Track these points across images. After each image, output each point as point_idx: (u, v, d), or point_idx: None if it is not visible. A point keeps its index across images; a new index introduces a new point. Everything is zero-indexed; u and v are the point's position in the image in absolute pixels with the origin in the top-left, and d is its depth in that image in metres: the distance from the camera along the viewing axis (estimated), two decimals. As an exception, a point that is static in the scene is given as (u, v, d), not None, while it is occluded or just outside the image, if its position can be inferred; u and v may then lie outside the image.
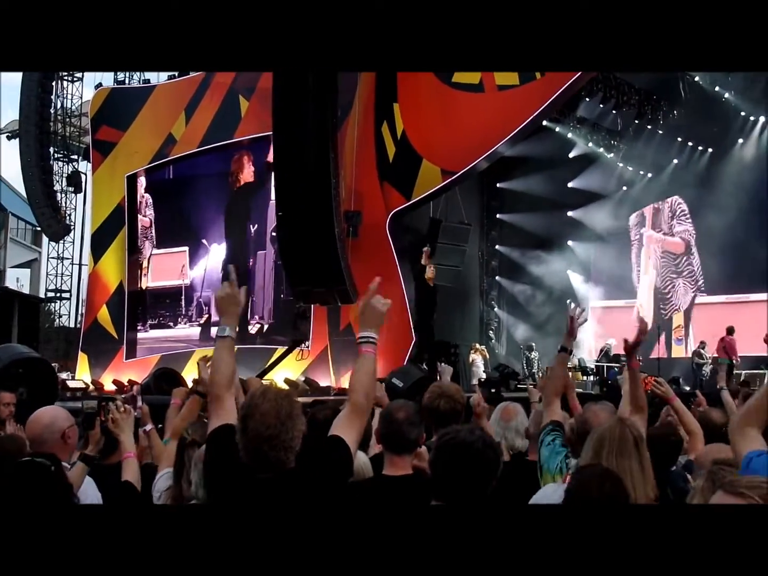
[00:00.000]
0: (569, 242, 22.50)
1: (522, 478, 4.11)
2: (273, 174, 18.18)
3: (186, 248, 23.52)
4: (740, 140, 20.57)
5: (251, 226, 22.38)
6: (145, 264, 24.13)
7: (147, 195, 24.20)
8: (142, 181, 24.19)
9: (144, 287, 23.99)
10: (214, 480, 3.31)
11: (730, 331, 17.57)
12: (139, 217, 24.11)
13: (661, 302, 22.69)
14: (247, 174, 22.63)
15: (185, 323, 23.12)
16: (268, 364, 18.92)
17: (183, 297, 23.29)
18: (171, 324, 23.41)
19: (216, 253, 22.93)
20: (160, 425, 7.52)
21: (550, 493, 3.73)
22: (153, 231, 24.11)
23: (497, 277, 23.11)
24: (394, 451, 3.87)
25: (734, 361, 16.95)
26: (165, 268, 23.84)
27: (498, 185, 22.34)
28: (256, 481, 3.09)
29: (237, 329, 3.57)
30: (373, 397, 3.57)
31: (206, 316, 22.49)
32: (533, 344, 20.83)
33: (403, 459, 3.81)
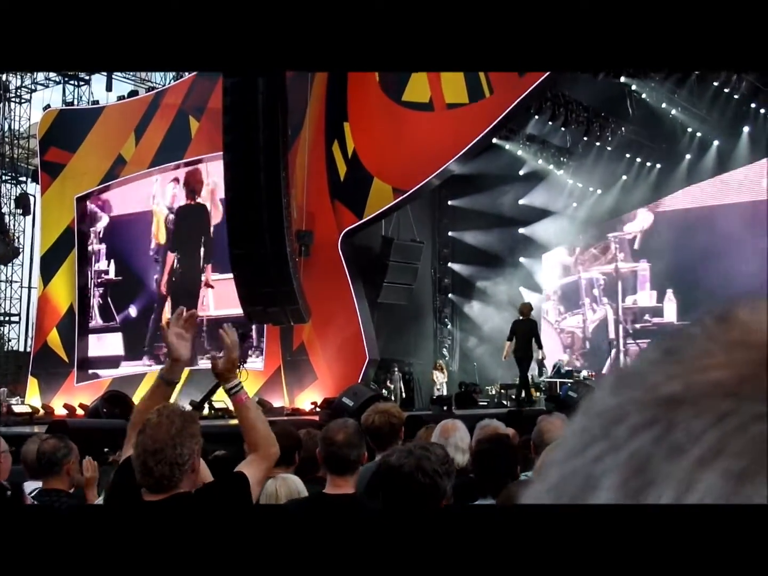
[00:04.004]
0: (521, 259, 22.62)
1: (460, 494, 4.08)
2: (224, 194, 18.10)
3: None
4: (688, 156, 20.83)
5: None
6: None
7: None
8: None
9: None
10: (111, 504, 3.31)
11: None
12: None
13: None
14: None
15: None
16: (211, 387, 18.76)
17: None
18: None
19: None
20: (106, 449, 7.43)
21: None
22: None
23: (450, 295, 23.15)
24: (334, 473, 3.85)
25: None
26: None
27: (449, 203, 22.41)
28: (142, 504, 3.05)
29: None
30: (272, 434, 3.54)
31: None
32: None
33: (344, 479, 3.80)
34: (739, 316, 0.41)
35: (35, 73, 25.94)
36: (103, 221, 24.08)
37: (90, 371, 23.37)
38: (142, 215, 23.27)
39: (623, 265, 22.55)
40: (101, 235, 24.11)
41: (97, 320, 23.94)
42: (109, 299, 23.70)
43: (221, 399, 17.82)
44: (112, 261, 23.80)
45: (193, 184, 22.46)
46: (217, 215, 21.38)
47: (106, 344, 23.57)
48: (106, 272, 23.92)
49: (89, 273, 24.02)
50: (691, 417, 0.37)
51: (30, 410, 19.01)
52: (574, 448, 0.41)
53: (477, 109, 16.81)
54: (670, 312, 21.00)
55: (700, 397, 0.37)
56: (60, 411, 20.66)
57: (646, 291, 22.04)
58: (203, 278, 21.90)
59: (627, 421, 0.39)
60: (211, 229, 21.76)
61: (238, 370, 3.78)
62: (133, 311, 23.09)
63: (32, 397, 22.57)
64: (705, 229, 19.87)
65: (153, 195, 23.06)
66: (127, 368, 22.56)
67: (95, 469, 5.03)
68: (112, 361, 23.15)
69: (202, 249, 21.99)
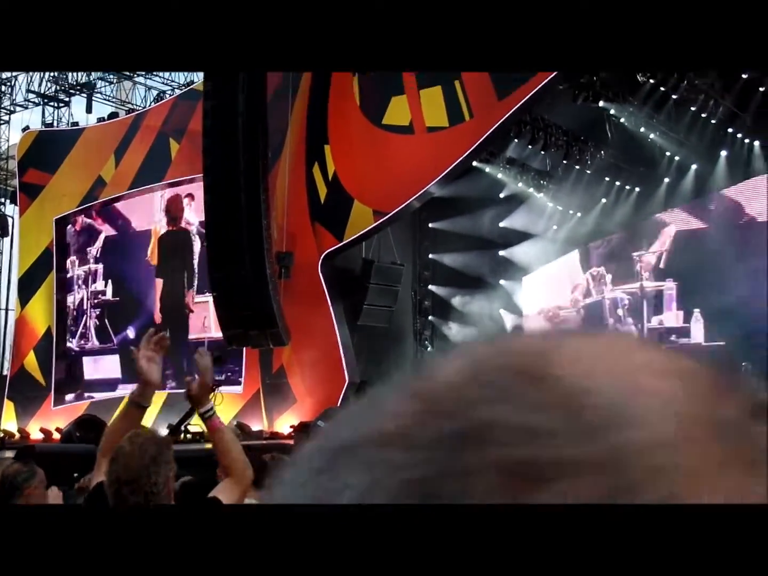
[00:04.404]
0: (501, 281, 22.65)
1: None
2: (204, 216, 18.06)
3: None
4: (666, 179, 20.94)
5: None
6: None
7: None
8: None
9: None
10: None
11: None
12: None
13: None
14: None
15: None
16: (188, 410, 18.63)
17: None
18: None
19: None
20: (76, 474, 7.33)
21: None
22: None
23: (430, 317, 23.13)
24: None
25: None
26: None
27: (430, 225, 22.42)
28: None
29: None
30: (245, 458, 3.54)
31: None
32: None
33: None
34: (427, 368, 0.42)
35: (14, 95, 25.87)
36: (99, 241, 23.91)
37: (86, 394, 23.11)
38: (141, 234, 23.17)
39: (648, 284, 21.93)
40: (98, 255, 23.93)
41: (93, 342, 23.73)
42: (106, 320, 23.48)
43: (197, 423, 17.75)
44: (110, 281, 23.62)
45: (174, 212, 22.41)
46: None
47: (101, 367, 23.30)
48: (103, 293, 23.73)
49: (85, 293, 23.84)
50: (349, 465, 0.37)
51: (2, 435, 18.80)
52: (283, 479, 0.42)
53: (457, 133, 16.88)
54: (698, 332, 20.57)
55: (365, 446, 0.38)
56: (36, 435, 20.47)
57: (672, 311, 21.45)
58: (186, 302, 21.81)
59: (308, 466, 0.40)
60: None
61: (212, 394, 3.76)
62: (131, 333, 22.78)
63: (8, 421, 22.33)
64: (734, 246, 19.29)
65: (165, 209, 22.83)
66: (125, 391, 22.22)
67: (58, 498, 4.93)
68: (108, 384, 22.78)
69: (185, 274, 21.88)
